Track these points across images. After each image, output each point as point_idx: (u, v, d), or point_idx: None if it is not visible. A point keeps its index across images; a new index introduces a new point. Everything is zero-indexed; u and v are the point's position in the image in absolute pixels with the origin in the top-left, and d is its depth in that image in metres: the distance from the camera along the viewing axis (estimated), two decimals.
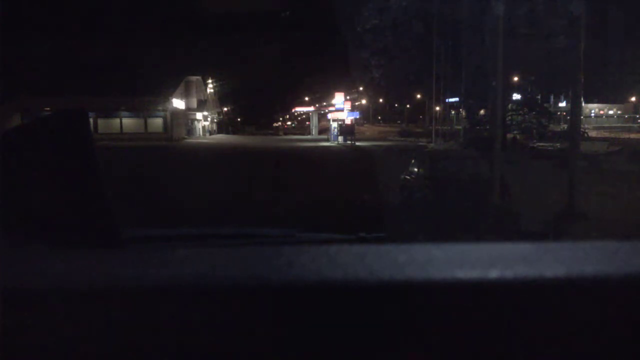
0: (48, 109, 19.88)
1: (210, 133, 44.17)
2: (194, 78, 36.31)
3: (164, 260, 0.62)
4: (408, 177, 7.93)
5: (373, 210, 6.20)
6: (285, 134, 53.74)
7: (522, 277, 0.54)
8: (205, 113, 40.99)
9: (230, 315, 0.52)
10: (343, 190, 8.55)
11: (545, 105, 26.75)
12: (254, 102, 59.92)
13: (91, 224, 0.76)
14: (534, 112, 24.85)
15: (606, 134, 26.81)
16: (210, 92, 42.17)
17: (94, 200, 0.77)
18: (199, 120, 39.92)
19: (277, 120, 70.02)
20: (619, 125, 37.55)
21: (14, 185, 0.72)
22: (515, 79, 25.20)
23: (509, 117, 23.52)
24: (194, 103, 36.17)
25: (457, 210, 5.70)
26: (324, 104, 40.47)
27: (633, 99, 40.70)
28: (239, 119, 63.01)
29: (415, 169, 7.97)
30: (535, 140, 20.81)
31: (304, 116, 53.74)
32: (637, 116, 41.43)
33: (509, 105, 23.80)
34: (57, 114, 0.79)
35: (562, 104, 31.71)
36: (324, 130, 39.72)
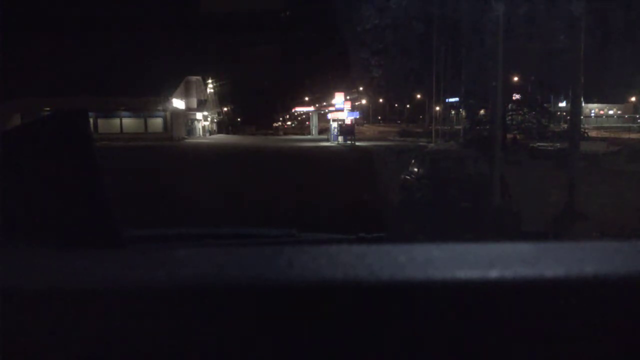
0: (48, 109, 19.88)
1: (210, 133, 44.17)
2: (194, 78, 36.31)
3: (164, 260, 0.62)
4: (408, 177, 7.92)
5: (373, 210, 6.20)
6: (285, 134, 53.73)
7: (522, 277, 0.54)
8: (205, 113, 41.00)
9: (230, 315, 0.52)
10: (343, 190, 8.55)
11: (545, 105, 26.72)
12: (254, 102, 59.92)
13: (91, 224, 0.76)
14: (534, 112, 24.83)
15: (606, 134, 26.81)
16: (210, 92, 42.18)
17: (94, 200, 0.77)
18: (199, 120, 39.92)
19: (277, 120, 70.02)
20: (619, 125, 37.54)
21: (14, 185, 0.72)
22: (515, 79, 25.20)
23: (509, 117, 23.51)
24: (194, 103, 36.18)
25: (457, 210, 5.70)
26: (324, 104, 40.45)
27: (633, 99, 40.68)
28: (239, 119, 63.04)
29: (415, 169, 7.97)
30: (535, 140, 20.79)
31: (304, 116, 53.72)
32: (637, 116, 41.41)
33: (509, 105, 23.79)
34: (57, 114, 0.79)
35: (562, 104, 31.68)
36: (324, 130, 39.72)
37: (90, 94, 25.35)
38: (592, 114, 43.66)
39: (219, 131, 48.45)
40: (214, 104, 44.03)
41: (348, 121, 30.72)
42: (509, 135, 20.69)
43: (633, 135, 28.15)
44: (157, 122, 32.50)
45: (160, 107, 31.61)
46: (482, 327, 0.53)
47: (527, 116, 24.81)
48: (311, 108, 44.49)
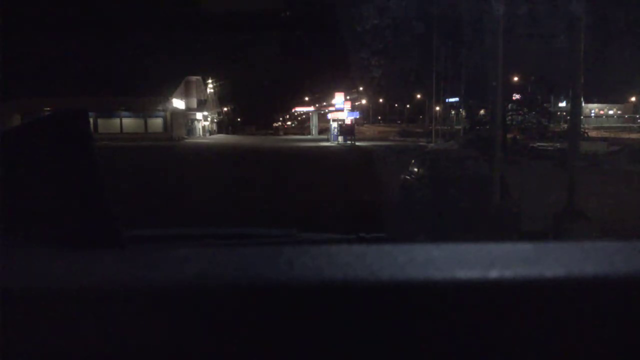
0: (48, 109, 19.89)
1: (210, 133, 44.19)
2: (194, 78, 36.32)
3: (164, 260, 0.62)
4: (408, 177, 7.92)
5: (373, 210, 6.20)
6: (285, 134, 53.80)
7: (522, 277, 0.54)
8: (205, 113, 41.00)
9: (230, 315, 0.52)
10: (343, 190, 8.55)
11: (545, 105, 26.73)
12: (254, 102, 60.05)
13: (91, 224, 0.76)
14: (534, 112, 24.84)
15: (606, 134, 26.81)
16: (210, 92, 42.18)
17: (94, 200, 0.76)
18: (199, 120, 39.94)
19: (277, 120, 70.14)
20: (619, 125, 37.55)
21: (14, 186, 0.72)
22: (515, 79, 25.20)
23: (509, 117, 23.51)
24: (194, 103, 36.18)
25: (457, 210, 5.69)
26: (324, 104, 40.46)
27: (633, 99, 40.70)
28: (239, 119, 63.12)
29: (415, 169, 7.97)
30: (535, 140, 20.80)
31: (304, 116, 53.76)
32: (637, 116, 41.43)
33: (509, 105, 23.78)
34: (57, 114, 0.79)
35: (562, 104, 31.69)
36: (324, 130, 39.74)
37: (90, 94, 25.37)
38: (592, 114, 43.66)
39: (219, 131, 48.47)
40: (214, 104, 44.04)
41: (348, 121, 30.73)
42: (509, 135, 20.70)
43: (633, 135, 28.13)
44: (157, 122, 32.52)
45: (160, 107, 31.63)
46: (482, 327, 0.53)
47: (527, 116, 24.82)
48: (311, 108, 44.50)
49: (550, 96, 28.27)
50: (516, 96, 25.31)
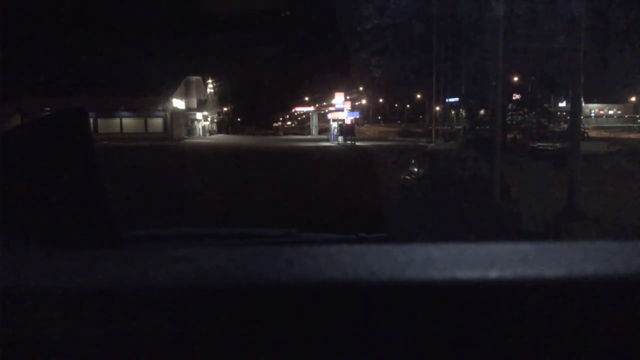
0: (48, 109, 19.90)
1: (210, 133, 44.21)
2: (194, 78, 36.35)
3: (164, 260, 0.62)
4: (408, 177, 7.93)
5: (373, 210, 6.20)
6: (285, 133, 53.88)
7: (522, 277, 0.54)
8: (205, 113, 41.02)
9: (230, 315, 0.52)
10: (343, 190, 8.56)
11: (545, 105, 26.74)
12: (254, 102, 60.18)
13: (91, 224, 0.76)
14: (534, 112, 24.85)
15: (606, 134, 26.83)
16: (210, 92, 42.22)
17: (94, 200, 0.76)
18: (199, 120, 39.96)
19: (277, 120, 70.27)
20: (619, 125, 37.57)
21: (14, 186, 0.72)
22: (515, 79, 25.19)
23: (509, 117, 23.51)
24: (194, 103, 36.21)
25: (457, 210, 5.70)
26: (324, 104, 40.50)
27: (633, 99, 40.72)
28: (239, 119, 63.20)
29: (415, 169, 7.97)
30: (535, 140, 20.81)
31: (304, 116, 53.84)
32: (637, 116, 41.47)
33: (509, 105, 23.79)
34: (57, 113, 0.79)
35: (562, 104, 31.69)
36: (324, 130, 39.76)
37: (90, 94, 25.40)
38: (592, 114, 43.69)
39: (219, 131, 48.50)
40: (214, 104, 44.06)
41: (348, 121, 30.75)
42: (509, 135, 20.70)
43: (633, 135, 28.15)
44: (157, 122, 32.53)
45: (160, 107, 31.64)
46: (482, 327, 0.53)
47: (527, 116, 24.83)
48: (311, 108, 44.53)
49: (550, 96, 28.27)
50: (516, 96, 25.31)
